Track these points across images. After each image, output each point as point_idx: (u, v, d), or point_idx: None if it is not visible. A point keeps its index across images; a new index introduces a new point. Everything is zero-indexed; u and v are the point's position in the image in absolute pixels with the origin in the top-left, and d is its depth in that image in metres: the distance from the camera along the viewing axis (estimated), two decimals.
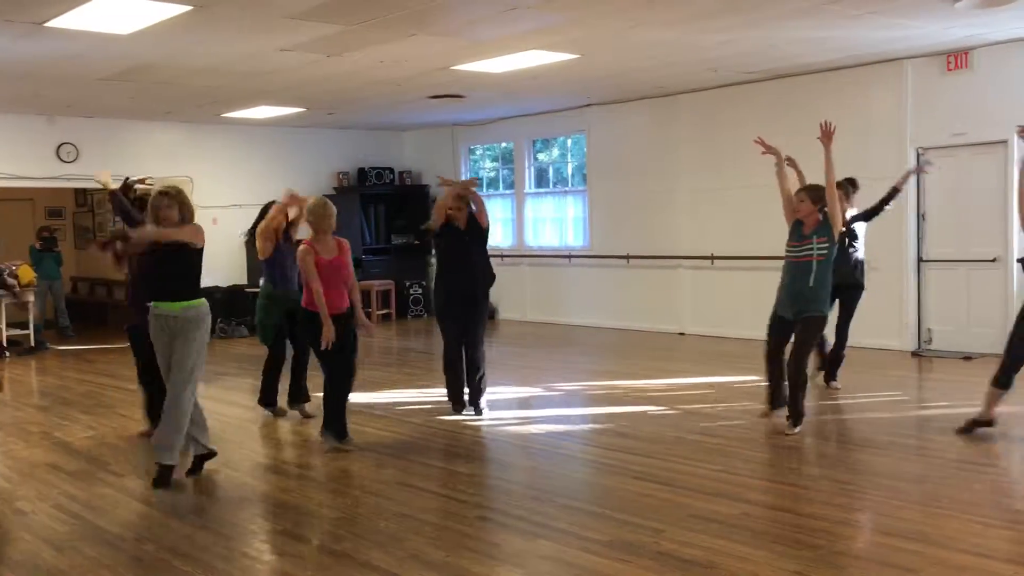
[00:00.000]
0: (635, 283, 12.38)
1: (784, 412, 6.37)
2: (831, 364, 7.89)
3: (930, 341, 9.69)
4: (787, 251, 6.37)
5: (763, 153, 6.72)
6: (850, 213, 7.66)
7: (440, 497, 5.19)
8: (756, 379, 7.77)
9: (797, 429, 6.27)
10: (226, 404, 7.89)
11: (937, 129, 9.46)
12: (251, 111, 12.14)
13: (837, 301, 7.57)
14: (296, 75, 9.36)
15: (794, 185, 6.66)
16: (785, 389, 6.36)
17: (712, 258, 11.37)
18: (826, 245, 6.20)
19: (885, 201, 7.87)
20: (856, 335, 9.91)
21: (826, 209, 6.24)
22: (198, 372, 5.49)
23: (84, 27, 7.04)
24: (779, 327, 6.42)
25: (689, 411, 7.14)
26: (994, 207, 9.09)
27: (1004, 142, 8.88)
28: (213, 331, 12.79)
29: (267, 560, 4.29)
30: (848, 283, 7.56)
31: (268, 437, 6.73)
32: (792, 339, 6.34)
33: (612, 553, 4.21)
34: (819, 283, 6.20)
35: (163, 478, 5.45)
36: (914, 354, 9.59)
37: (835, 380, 7.85)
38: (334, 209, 6.27)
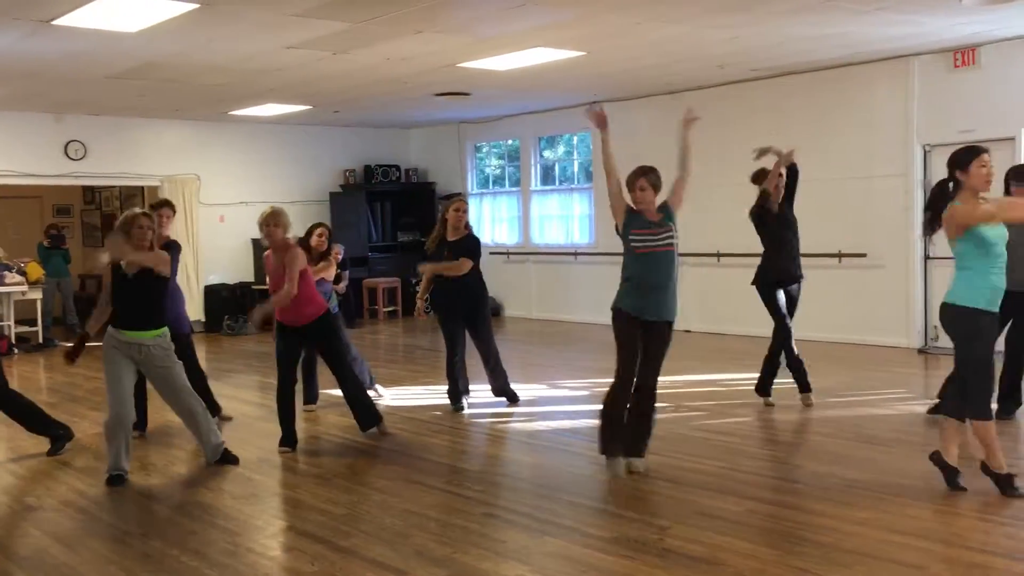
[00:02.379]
0: None
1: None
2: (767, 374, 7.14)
3: (936, 338, 9.66)
4: (636, 241, 5.53)
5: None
6: None
7: (446, 493, 5.21)
8: None
9: (638, 462, 5.44)
10: (234, 401, 7.91)
11: (944, 126, 9.43)
12: (258, 109, 12.16)
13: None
14: (303, 73, 9.37)
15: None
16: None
17: (718, 255, 11.36)
18: (673, 233, 5.50)
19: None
20: (862, 332, 9.99)
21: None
22: None
23: (92, 25, 7.06)
24: (635, 331, 5.47)
25: (694, 408, 7.14)
26: None
27: (1012, 139, 8.85)
28: (221, 328, 12.95)
29: (273, 556, 4.31)
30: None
31: (274, 434, 6.74)
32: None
33: (617, 550, 4.21)
34: (675, 278, 5.48)
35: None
36: (920, 351, 9.58)
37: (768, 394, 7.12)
38: (275, 216, 6.19)
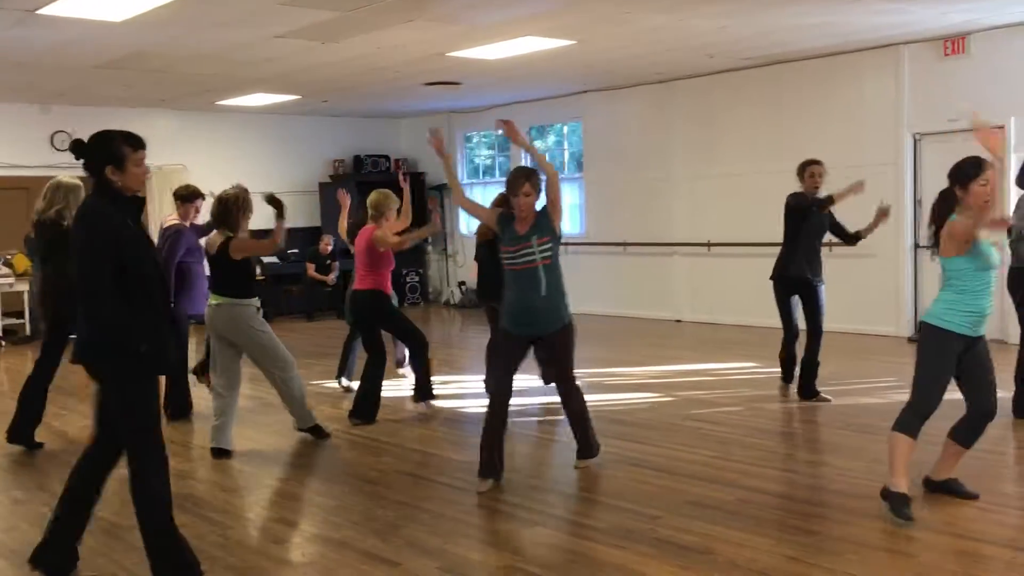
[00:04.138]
0: (631, 270, 12.36)
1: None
2: (807, 376, 6.87)
3: None
4: (504, 258, 5.14)
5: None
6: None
7: (437, 485, 5.20)
8: (753, 365, 7.76)
9: (590, 462, 5.38)
10: None
11: (934, 115, 9.44)
12: (246, 99, 12.09)
13: (798, 300, 6.84)
14: (291, 62, 9.32)
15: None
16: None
17: (709, 245, 11.37)
18: (549, 245, 5.04)
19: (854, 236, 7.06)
20: (852, 321, 10.00)
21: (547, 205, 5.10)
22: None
23: (77, 14, 7.00)
24: (513, 347, 5.24)
25: (686, 398, 7.15)
26: None
27: (1002, 127, 8.85)
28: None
29: (264, 548, 4.29)
30: (805, 278, 6.76)
31: (264, 425, 6.72)
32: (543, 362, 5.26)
33: (609, 540, 4.21)
34: (553, 290, 5.10)
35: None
36: (910, 340, 9.58)
37: (818, 393, 6.88)
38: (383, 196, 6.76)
